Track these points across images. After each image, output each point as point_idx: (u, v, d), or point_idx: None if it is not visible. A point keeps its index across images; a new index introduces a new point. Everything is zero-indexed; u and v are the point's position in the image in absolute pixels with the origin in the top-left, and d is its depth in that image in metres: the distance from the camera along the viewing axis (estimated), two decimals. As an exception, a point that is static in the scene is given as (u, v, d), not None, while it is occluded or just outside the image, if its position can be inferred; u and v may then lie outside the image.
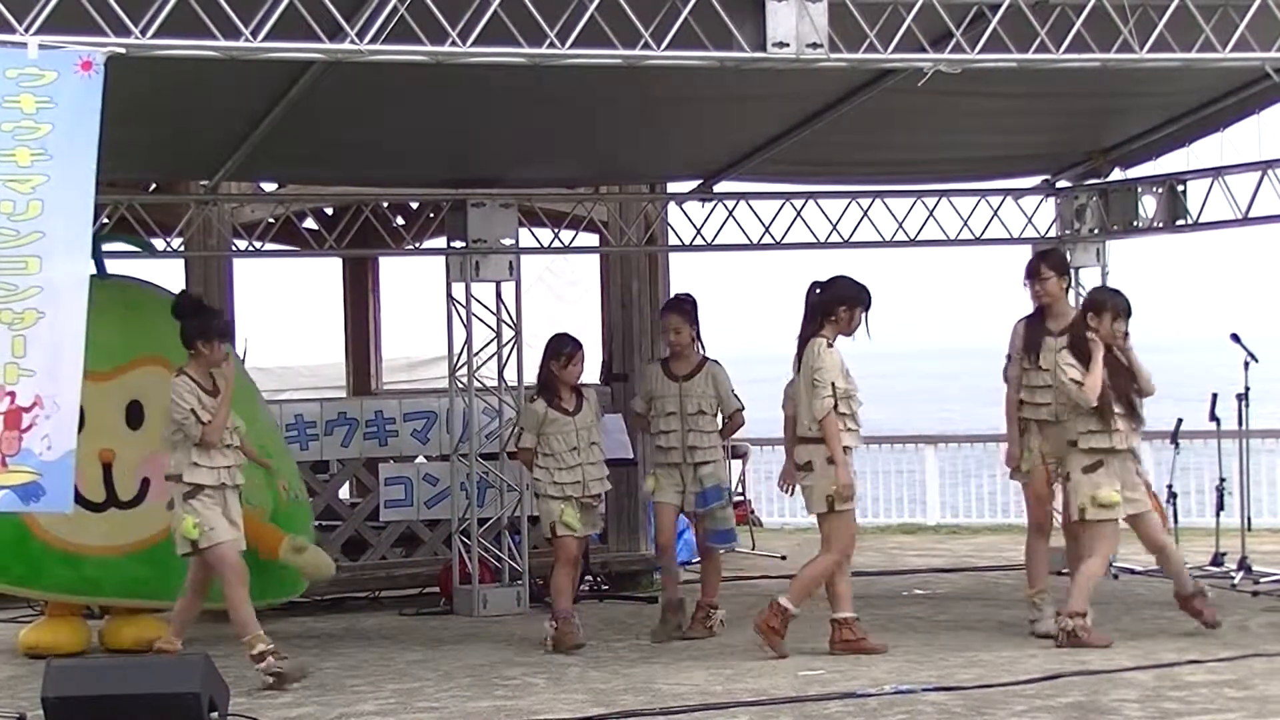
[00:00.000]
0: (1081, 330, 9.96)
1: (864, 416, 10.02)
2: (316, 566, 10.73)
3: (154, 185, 12.97)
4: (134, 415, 10.59)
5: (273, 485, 10.80)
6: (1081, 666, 9.29)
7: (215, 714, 7.76)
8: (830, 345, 9.90)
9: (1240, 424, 12.42)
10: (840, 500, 9.81)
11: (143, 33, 7.62)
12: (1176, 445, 13.20)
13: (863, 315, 10.02)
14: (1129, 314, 10.04)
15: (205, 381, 9.61)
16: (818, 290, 10.01)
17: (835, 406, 9.78)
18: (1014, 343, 10.52)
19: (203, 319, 9.80)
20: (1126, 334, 10.02)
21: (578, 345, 10.67)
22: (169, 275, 12.58)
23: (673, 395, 10.56)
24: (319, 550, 10.86)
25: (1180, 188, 13.03)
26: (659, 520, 10.69)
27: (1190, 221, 12.99)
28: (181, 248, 12.43)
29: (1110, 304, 10.04)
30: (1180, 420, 13.07)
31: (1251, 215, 12.51)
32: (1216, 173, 12.69)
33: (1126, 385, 9.97)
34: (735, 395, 10.68)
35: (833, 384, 9.79)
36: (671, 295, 11.53)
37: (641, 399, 10.84)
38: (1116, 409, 9.90)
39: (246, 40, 7.79)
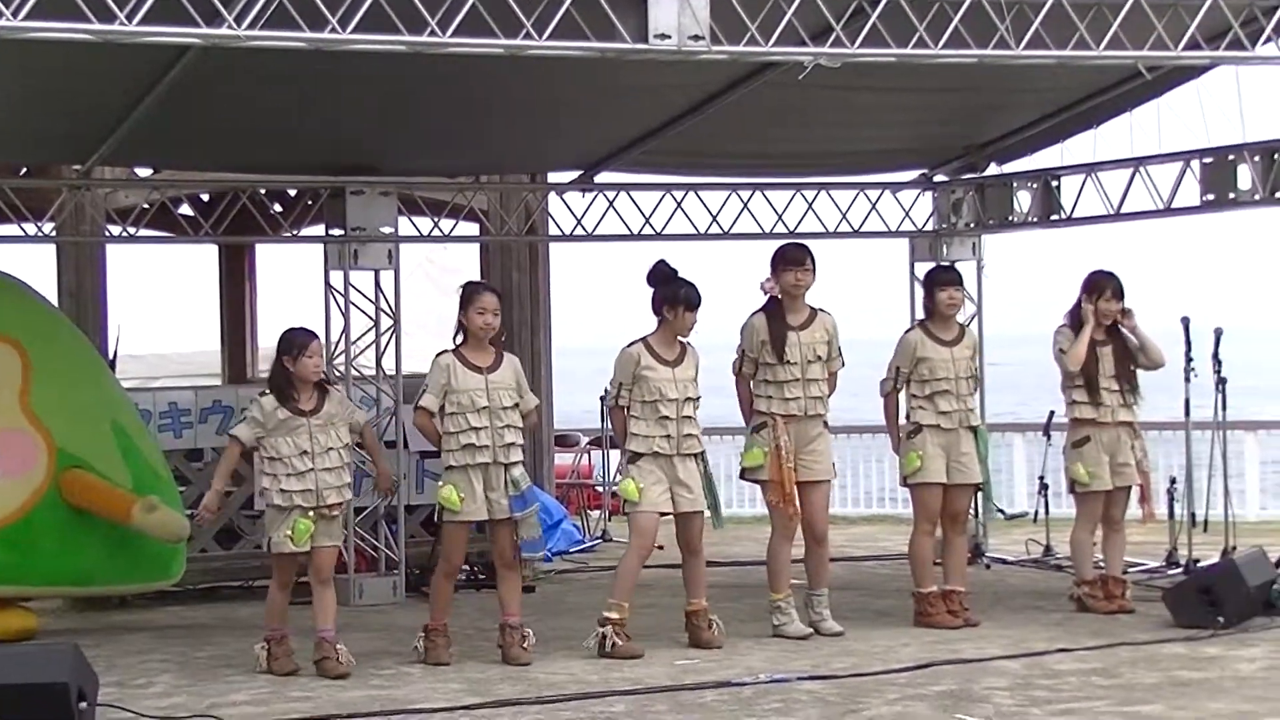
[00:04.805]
0: (1077, 307, 10.70)
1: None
2: (167, 526, 10.51)
3: (24, 169, 12.78)
4: None
5: (131, 458, 10.66)
6: (953, 655, 9.40)
7: (84, 704, 7.66)
8: None
9: (1187, 417, 12.10)
10: None
11: (14, 14, 7.49)
12: (1050, 437, 13.34)
13: None
14: (1122, 294, 10.74)
15: (664, 351, 9.83)
16: None
17: None
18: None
19: (672, 287, 9.86)
20: (1127, 311, 10.71)
21: (311, 336, 9.55)
22: (40, 261, 12.43)
23: (479, 389, 9.52)
24: (171, 510, 10.67)
25: (1054, 183, 13.18)
26: (454, 542, 9.64)
27: (1064, 216, 13.16)
28: (53, 233, 12.27)
29: (1103, 283, 10.73)
30: (1052, 412, 13.16)
31: (1123, 211, 12.69)
32: (1090, 169, 12.85)
33: (1125, 362, 10.70)
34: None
35: None
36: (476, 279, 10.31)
37: (434, 395, 9.50)
38: (1103, 384, 10.64)
39: (121, 24, 7.66)
